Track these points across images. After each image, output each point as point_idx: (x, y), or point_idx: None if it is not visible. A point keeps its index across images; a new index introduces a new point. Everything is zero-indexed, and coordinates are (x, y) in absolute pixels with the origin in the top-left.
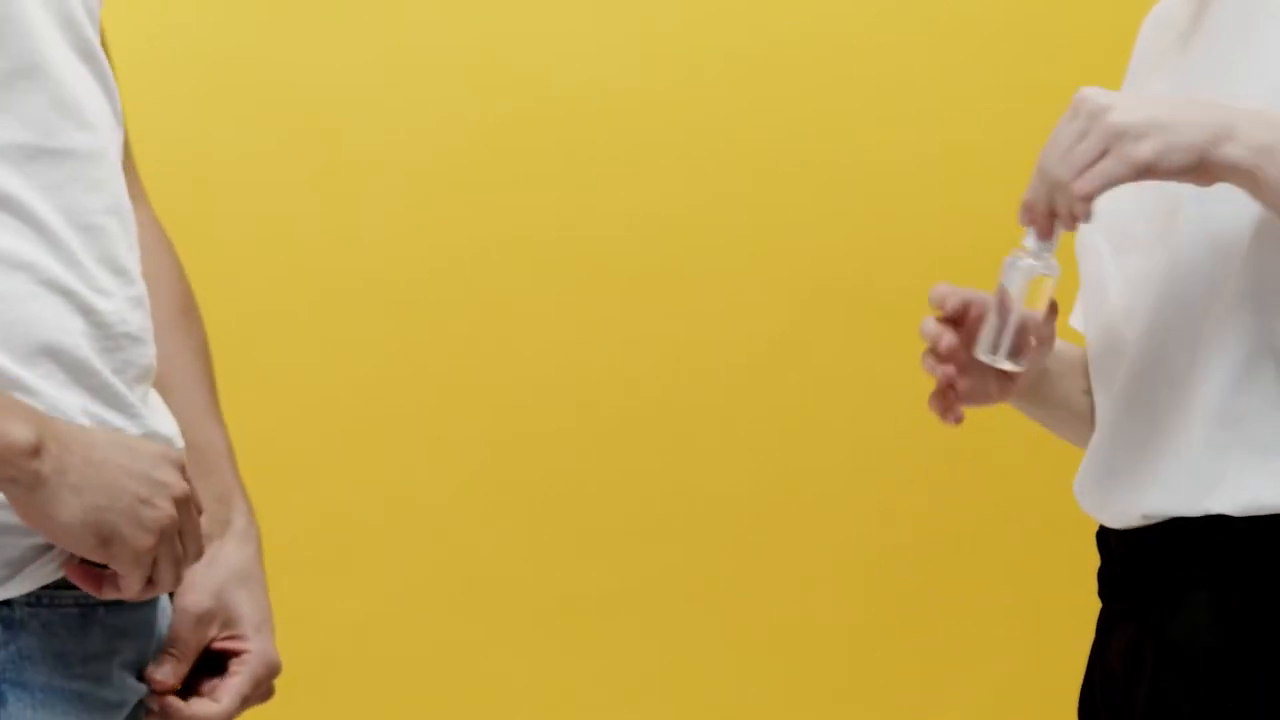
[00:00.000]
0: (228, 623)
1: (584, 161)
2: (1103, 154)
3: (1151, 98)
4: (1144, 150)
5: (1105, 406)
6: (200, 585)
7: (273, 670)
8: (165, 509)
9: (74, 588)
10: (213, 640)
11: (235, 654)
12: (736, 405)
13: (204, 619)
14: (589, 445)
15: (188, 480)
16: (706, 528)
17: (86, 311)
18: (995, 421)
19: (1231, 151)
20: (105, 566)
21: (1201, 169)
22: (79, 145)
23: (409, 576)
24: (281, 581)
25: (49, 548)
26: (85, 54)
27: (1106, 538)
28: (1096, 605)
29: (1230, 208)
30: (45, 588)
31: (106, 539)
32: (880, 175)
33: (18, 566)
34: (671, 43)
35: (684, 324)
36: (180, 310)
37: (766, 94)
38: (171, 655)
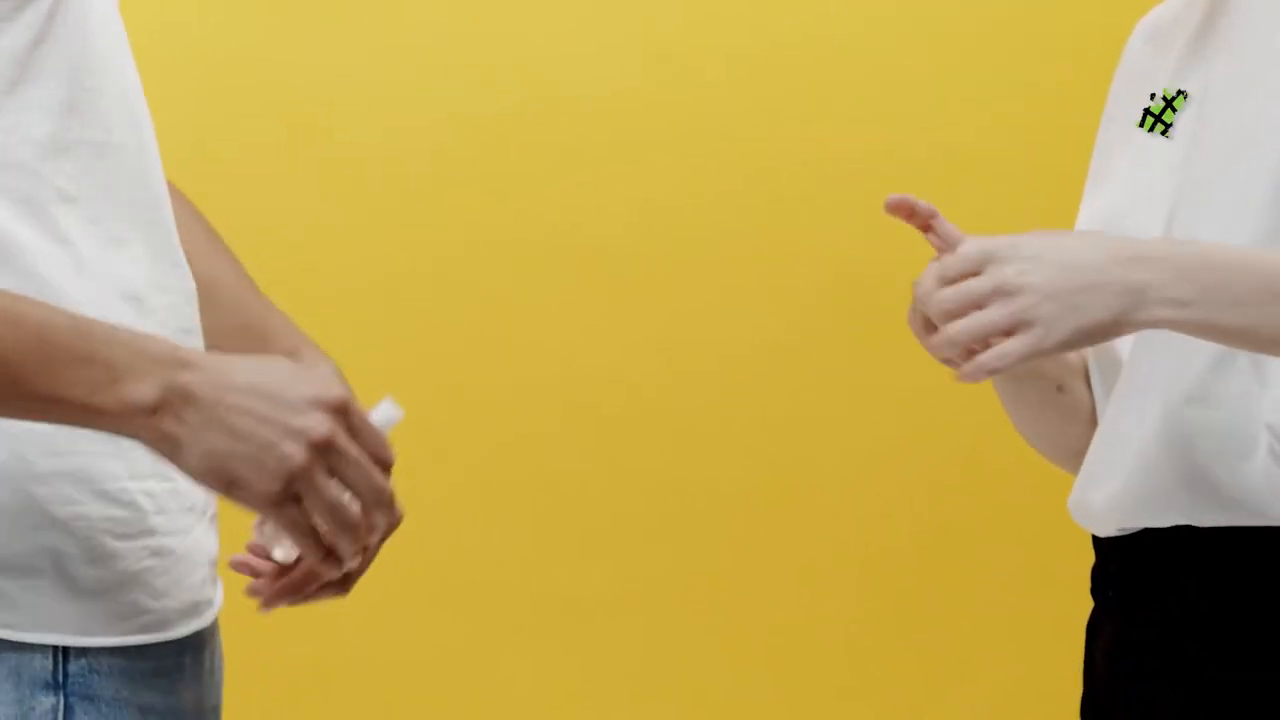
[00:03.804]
0: None
1: (583, 160)
2: (1008, 333)
3: (1060, 252)
4: (1054, 339)
5: (1103, 420)
6: None
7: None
8: (295, 454)
9: None
10: None
11: None
12: (736, 405)
13: None
14: (587, 444)
15: (344, 423)
16: (705, 527)
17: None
18: (994, 421)
19: (1148, 316)
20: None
21: (1119, 332)
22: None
23: (406, 576)
24: None
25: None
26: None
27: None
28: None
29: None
30: None
31: (229, 483)
32: (880, 175)
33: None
34: (671, 42)
35: (683, 324)
36: (206, 238)
37: (767, 93)
38: None
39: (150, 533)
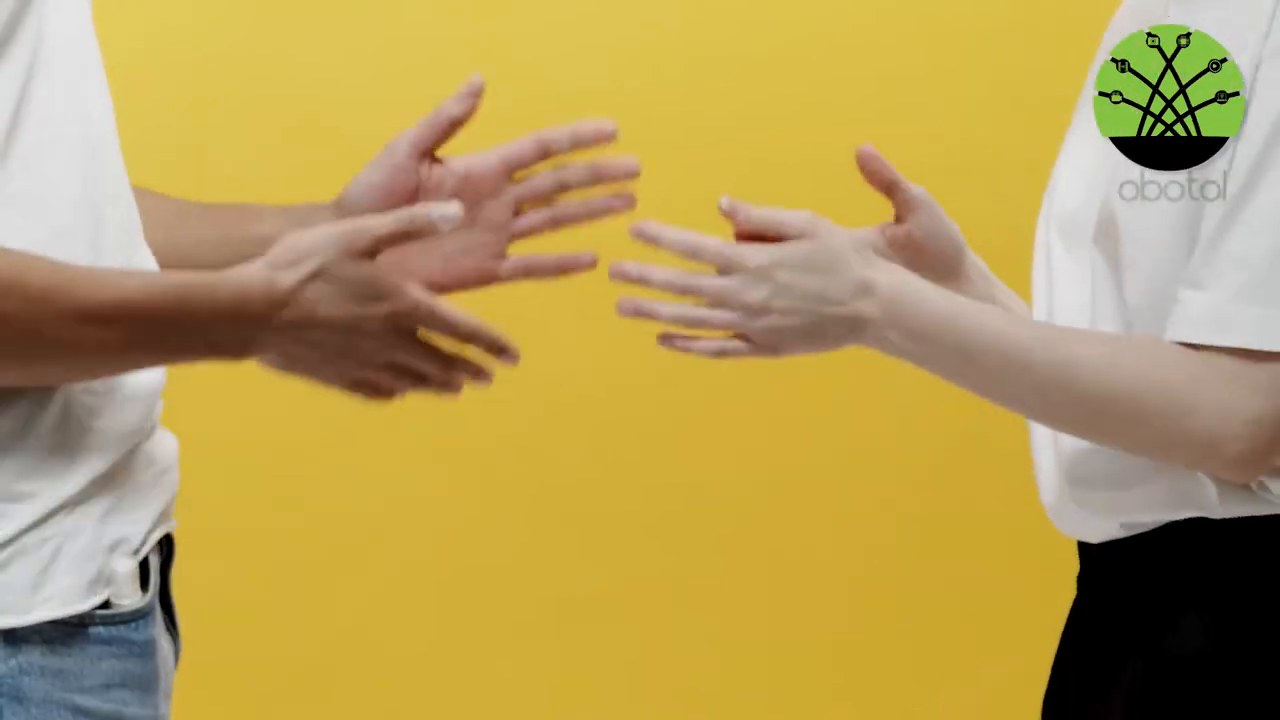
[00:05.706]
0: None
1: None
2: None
3: (805, 281)
4: (780, 355)
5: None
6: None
7: None
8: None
9: None
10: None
11: None
12: (733, 404)
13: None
14: (586, 443)
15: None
16: (702, 526)
17: None
18: (989, 420)
19: (874, 346)
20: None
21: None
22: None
23: (404, 574)
24: (277, 579)
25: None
26: None
27: (1088, 544)
28: None
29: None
30: None
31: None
32: None
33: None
34: (671, 42)
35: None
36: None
37: (766, 93)
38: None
39: None
